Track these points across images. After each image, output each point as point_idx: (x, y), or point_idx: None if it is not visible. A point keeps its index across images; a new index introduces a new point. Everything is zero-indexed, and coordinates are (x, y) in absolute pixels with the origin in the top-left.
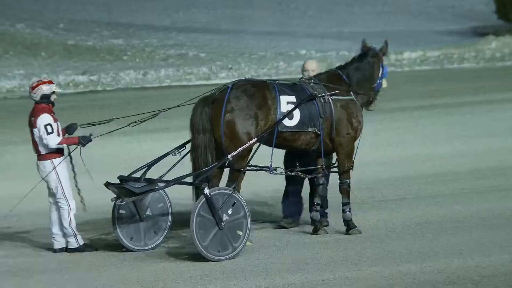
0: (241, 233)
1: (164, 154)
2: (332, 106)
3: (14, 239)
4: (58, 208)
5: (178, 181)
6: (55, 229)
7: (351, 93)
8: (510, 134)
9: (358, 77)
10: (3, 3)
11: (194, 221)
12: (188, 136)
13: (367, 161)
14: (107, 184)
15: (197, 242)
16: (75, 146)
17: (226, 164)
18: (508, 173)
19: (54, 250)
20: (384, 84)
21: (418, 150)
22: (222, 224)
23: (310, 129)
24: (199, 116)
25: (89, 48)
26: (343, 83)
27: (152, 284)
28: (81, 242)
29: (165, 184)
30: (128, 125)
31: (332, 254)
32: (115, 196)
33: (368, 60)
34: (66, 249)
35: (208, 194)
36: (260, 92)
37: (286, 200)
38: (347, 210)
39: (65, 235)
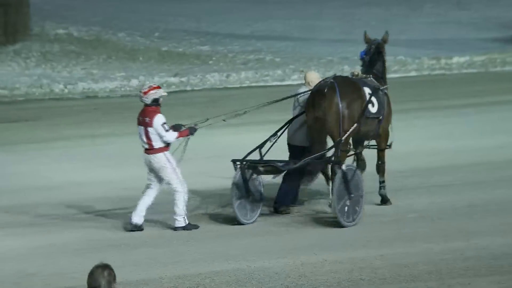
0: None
1: (264, 141)
2: (386, 98)
3: (112, 217)
4: (174, 192)
5: (316, 159)
6: (143, 207)
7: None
8: None
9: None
10: (106, 15)
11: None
12: (277, 127)
13: (420, 152)
14: (250, 164)
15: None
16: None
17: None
18: None
19: (175, 229)
20: None
21: (465, 143)
22: (352, 195)
23: (380, 116)
24: (318, 106)
25: (180, 53)
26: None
27: (240, 257)
28: (187, 221)
29: (303, 162)
30: (223, 120)
31: (390, 232)
32: (257, 174)
33: (382, 57)
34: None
35: (344, 169)
36: (358, 84)
37: (282, 188)
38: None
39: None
